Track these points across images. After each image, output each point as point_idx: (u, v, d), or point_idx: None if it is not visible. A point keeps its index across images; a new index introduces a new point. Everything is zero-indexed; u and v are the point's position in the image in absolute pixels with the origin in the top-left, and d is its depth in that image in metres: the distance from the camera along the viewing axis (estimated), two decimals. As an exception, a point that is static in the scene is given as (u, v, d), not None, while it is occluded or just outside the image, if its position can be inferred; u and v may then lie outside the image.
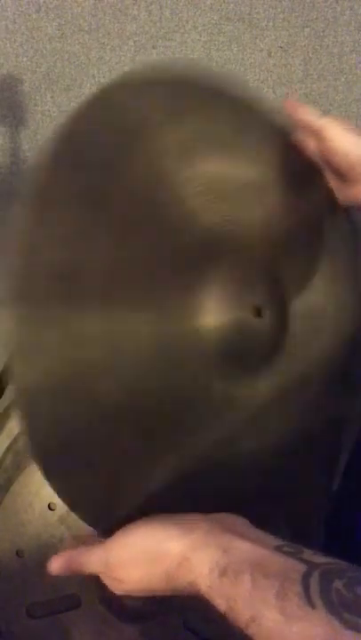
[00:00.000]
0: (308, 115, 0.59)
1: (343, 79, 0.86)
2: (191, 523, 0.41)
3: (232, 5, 0.81)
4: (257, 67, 0.85)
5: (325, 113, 0.86)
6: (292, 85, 0.86)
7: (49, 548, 0.62)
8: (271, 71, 0.85)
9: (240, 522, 0.42)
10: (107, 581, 0.45)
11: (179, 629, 0.62)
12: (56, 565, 0.46)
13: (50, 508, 0.61)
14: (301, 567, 0.36)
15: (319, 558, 0.37)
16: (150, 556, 0.41)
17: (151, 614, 0.62)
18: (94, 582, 0.62)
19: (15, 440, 0.70)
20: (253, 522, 0.42)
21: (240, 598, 0.36)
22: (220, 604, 0.37)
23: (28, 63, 0.85)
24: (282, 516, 0.53)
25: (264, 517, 0.43)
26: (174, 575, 0.40)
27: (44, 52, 0.84)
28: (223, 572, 0.37)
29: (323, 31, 0.82)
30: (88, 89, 0.87)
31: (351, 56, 0.84)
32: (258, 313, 0.50)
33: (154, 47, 0.84)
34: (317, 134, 0.57)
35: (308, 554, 0.37)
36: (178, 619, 0.62)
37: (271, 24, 0.82)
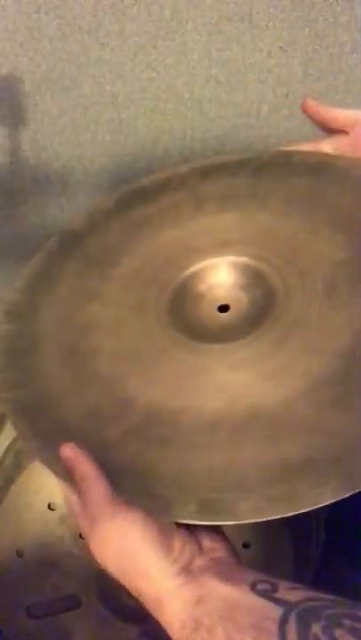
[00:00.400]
0: (336, 111, 0.59)
1: (343, 79, 0.86)
2: (181, 558, 0.40)
3: (232, 5, 0.81)
4: (257, 67, 0.85)
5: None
6: (292, 85, 0.86)
7: (49, 548, 0.62)
8: (271, 71, 0.85)
9: (225, 552, 0.41)
10: (84, 529, 0.42)
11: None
12: (69, 453, 0.42)
13: (50, 507, 0.62)
14: (277, 611, 0.35)
15: (295, 595, 0.36)
16: (132, 561, 0.39)
17: (151, 614, 0.62)
18: (94, 582, 0.62)
19: (15, 440, 0.70)
20: None
21: None
22: None
23: (28, 63, 0.85)
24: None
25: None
26: (144, 601, 0.39)
27: (44, 52, 0.84)
28: (196, 629, 0.36)
29: (323, 31, 0.82)
30: (88, 89, 0.87)
31: (351, 56, 0.84)
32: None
33: (154, 47, 0.84)
34: (352, 127, 0.58)
35: (283, 590, 0.36)
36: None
37: (271, 24, 0.82)
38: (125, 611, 0.62)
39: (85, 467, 0.41)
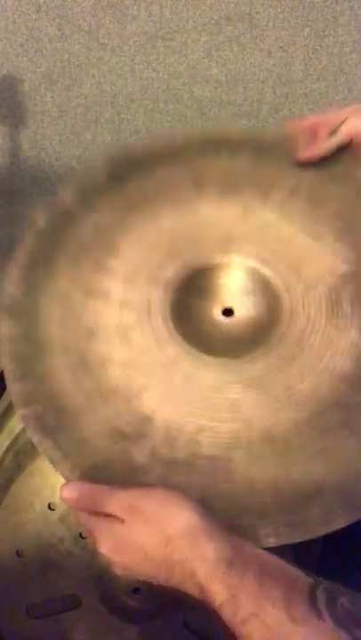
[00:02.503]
0: (324, 114, 0.58)
1: (343, 79, 0.86)
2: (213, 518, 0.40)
3: (232, 5, 0.81)
4: (257, 67, 0.85)
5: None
6: (292, 85, 0.86)
7: (49, 548, 0.62)
8: (271, 71, 0.85)
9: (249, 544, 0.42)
10: (113, 534, 0.43)
11: (179, 629, 0.62)
12: (68, 494, 0.43)
13: (50, 507, 0.61)
14: (308, 580, 0.36)
15: (322, 579, 0.37)
16: (162, 513, 0.40)
17: (151, 614, 0.62)
18: (94, 582, 0.62)
19: (15, 440, 0.70)
20: None
21: (245, 592, 0.35)
22: (219, 591, 0.36)
23: (28, 63, 0.85)
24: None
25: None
26: (173, 544, 0.39)
27: (44, 52, 0.84)
28: (230, 565, 0.36)
29: (323, 31, 0.82)
30: (88, 89, 0.87)
31: (351, 56, 0.84)
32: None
33: (154, 47, 0.84)
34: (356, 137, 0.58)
35: (313, 575, 0.38)
36: (178, 619, 0.62)
37: (271, 24, 0.82)
38: (125, 611, 0.62)
39: (84, 489, 0.43)
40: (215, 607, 0.36)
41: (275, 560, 0.38)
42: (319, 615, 0.34)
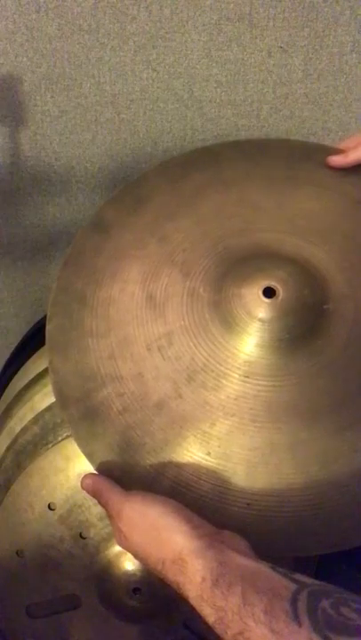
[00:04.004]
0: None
1: (343, 79, 0.86)
2: (202, 528, 0.42)
3: (232, 5, 0.81)
4: (257, 67, 0.85)
5: (325, 113, 0.87)
6: (292, 85, 0.86)
7: (49, 548, 0.62)
8: (271, 71, 0.85)
9: (244, 544, 0.43)
10: (113, 528, 0.47)
11: (179, 629, 0.62)
12: (88, 481, 0.49)
13: (50, 507, 0.62)
14: (292, 585, 0.37)
15: (310, 580, 0.38)
16: (155, 535, 0.42)
17: (151, 614, 0.62)
18: (94, 582, 0.62)
19: (15, 440, 0.70)
20: None
21: (230, 611, 0.37)
22: (209, 614, 0.38)
23: (28, 63, 0.85)
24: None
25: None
26: (167, 567, 0.41)
27: (44, 52, 0.84)
28: (215, 583, 0.39)
29: (323, 31, 0.82)
30: (88, 89, 0.87)
31: (351, 56, 0.84)
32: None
33: (154, 47, 0.84)
34: None
35: (299, 575, 0.39)
36: (178, 619, 0.62)
37: (271, 24, 0.82)
38: (125, 611, 0.62)
39: (100, 484, 0.48)
40: (209, 625, 0.38)
41: (259, 568, 0.39)
42: (299, 622, 0.35)
